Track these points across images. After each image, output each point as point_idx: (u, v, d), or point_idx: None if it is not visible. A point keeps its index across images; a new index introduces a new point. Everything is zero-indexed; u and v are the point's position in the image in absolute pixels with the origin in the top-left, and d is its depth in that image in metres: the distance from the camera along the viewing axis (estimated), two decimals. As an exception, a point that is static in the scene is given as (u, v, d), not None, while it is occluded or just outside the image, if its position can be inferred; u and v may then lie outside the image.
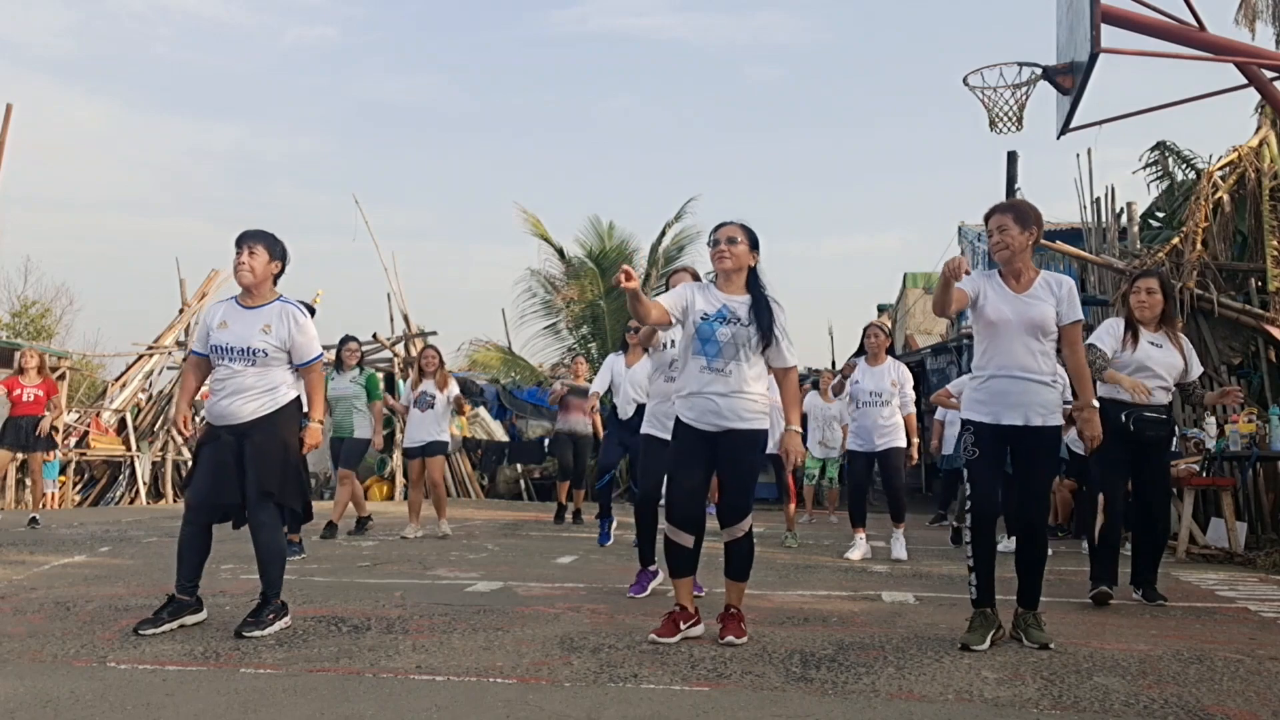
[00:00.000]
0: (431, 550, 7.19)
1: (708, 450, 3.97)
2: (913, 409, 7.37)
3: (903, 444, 7.20)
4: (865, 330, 7.46)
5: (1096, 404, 3.98)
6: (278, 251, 4.20)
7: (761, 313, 3.95)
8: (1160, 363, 5.12)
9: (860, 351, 7.50)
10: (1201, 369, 5.33)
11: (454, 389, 8.43)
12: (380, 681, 3.26)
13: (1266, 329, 9.09)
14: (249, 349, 4.04)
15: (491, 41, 66.00)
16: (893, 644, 3.92)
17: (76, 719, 2.81)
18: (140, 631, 3.87)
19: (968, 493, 4.07)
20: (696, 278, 4.85)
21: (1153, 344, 5.16)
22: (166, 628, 3.92)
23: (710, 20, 66.22)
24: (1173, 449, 5.98)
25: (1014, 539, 4.17)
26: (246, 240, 4.14)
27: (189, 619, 4.03)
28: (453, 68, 65.86)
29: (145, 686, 3.15)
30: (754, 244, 4.06)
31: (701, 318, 3.97)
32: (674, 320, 4.02)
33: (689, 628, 3.95)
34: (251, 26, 62.11)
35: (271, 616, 3.98)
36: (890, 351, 7.45)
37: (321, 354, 4.22)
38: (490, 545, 7.68)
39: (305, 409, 4.33)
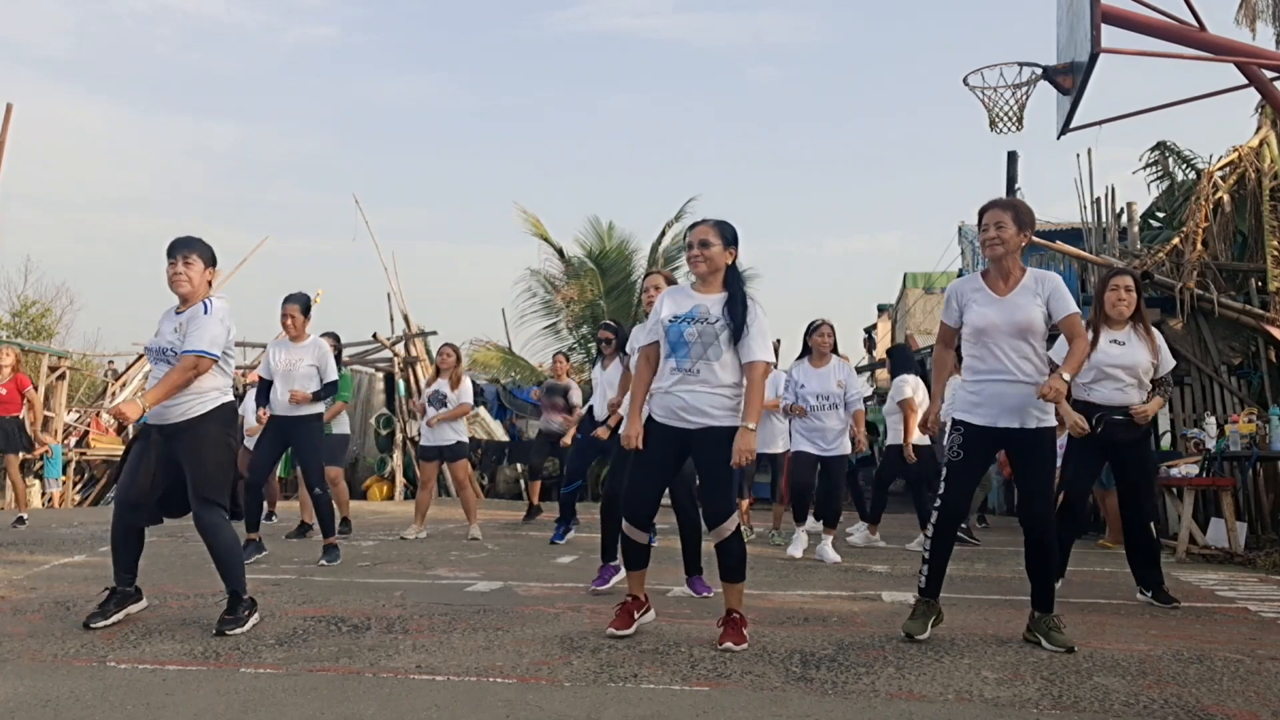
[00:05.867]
0: (431, 550, 7.19)
1: (674, 450, 3.95)
2: (861, 405, 7.15)
3: (848, 450, 7.12)
4: (811, 328, 7.10)
5: (1068, 379, 3.87)
6: (210, 257, 4.25)
7: (735, 307, 3.90)
8: (1122, 361, 5.07)
9: (805, 351, 7.21)
10: (1173, 364, 5.30)
11: (466, 392, 8.14)
12: (380, 681, 3.26)
13: (1266, 329, 9.10)
14: (161, 349, 4.13)
15: (492, 41, 66.07)
16: (893, 644, 3.92)
17: (76, 719, 2.81)
18: (90, 625, 3.95)
19: (941, 490, 4.07)
20: (671, 281, 4.92)
21: (1114, 342, 5.12)
22: (116, 618, 4.05)
23: (710, 20, 66.34)
24: (1171, 446, 5.96)
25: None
26: (180, 249, 4.15)
27: (133, 608, 4.17)
28: (453, 68, 65.95)
29: (145, 686, 3.15)
30: (729, 241, 4.00)
31: (670, 320, 3.95)
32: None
33: (641, 615, 4.06)
34: (252, 26, 62.22)
35: (246, 613, 4.05)
36: (835, 351, 7.20)
37: (205, 354, 3.98)
38: (490, 545, 7.68)
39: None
